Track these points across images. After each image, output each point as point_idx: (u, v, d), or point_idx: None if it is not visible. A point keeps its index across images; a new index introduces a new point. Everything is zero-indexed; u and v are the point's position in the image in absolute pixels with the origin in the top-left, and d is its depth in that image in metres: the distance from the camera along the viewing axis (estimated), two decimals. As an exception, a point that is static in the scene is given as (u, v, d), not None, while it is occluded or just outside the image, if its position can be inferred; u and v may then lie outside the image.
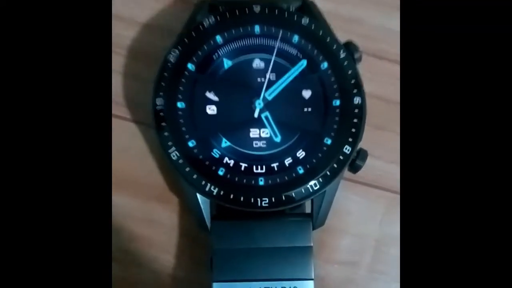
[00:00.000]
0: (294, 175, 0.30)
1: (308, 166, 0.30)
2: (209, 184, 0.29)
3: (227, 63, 0.31)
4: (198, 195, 0.29)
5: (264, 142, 0.30)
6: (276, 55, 0.31)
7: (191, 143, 0.30)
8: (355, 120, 0.30)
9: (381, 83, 0.34)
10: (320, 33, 0.31)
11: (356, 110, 0.30)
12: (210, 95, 0.30)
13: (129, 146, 0.33)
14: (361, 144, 0.31)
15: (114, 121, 0.33)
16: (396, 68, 0.34)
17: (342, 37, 0.32)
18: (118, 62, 0.33)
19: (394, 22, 0.35)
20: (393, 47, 0.35)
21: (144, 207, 0.32)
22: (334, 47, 0.31)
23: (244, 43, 0.31)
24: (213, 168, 0.29)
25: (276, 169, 0.30)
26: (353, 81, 0.31)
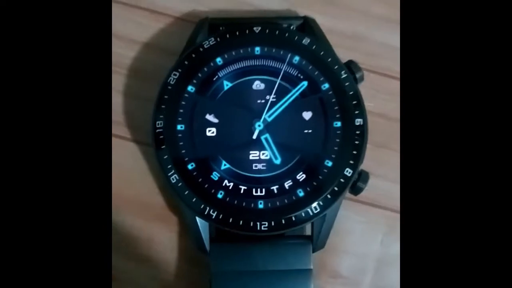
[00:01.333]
0: (294, 198, 0.29)
1: (308, 189, 0.29)
2: (208, 208, 0.29)
3: (227, 85, 0.31)
4: (197, 218, 0.29)
5: (264, 164, 0.30)
6: (276, 76, 0.30)
7: (190, 166, 0.29)
8: (357, 142, 0.30)
9: (383, 101, 0.34)
10: (321, 54, 0.31)
11: (358, 132, 0.30)
12: (210, 117, 0.30)
13: (128, 165, 0.33)
14: (363, 163, 0.30)
15: (113, 140, 0.33)
16: (399, 85, 0.34)
17: (344, 55, 0.31)
18: (117, 81, 0.33)
19: (396, 39, 0.34)
20: (396, 64, 0.34)
21: (144, 227, 0.32)
22: (336, 68, 0.31)
23: (244, 64, 0.31)
24: (212, 191, 0.29)
25: (276, 192, 0.29)
26: (354, 102, 0.30)
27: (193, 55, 0.30)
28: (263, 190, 0.29)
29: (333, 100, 0.30)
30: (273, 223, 0.29)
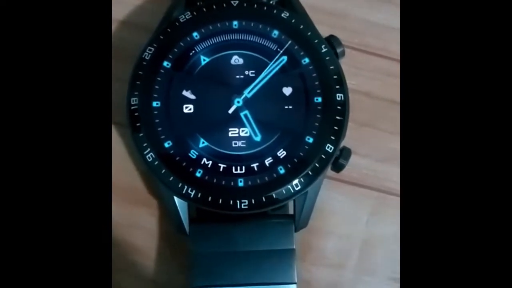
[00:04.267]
0: (274, 175, 0.28)
1: (289, 166, 0.29)
2: (186, 186, 0.28)
3: (204, 60, 0.30)
4: (176, 198, 0.28)
5: (244, 141, 0.29)
6: (255, 51, 0.30)
7: (167, 144, 0.29)
8: (338, 118, 0.29)
9: (366, 78, 0.34)
10: (301, 27, 0.30)
11: (339, 107, 0.29)
12: (187, 94, 0.29)
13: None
14: (345, 142, 0.30)
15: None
16: (382, 63, 0.34)
17: (326, 31, 0.31)
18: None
19: (379, 16, 0.34)
20: (378, 41, 0.34)
21: (124, 211, 0.31)
22: (316, 42, 0.30)
23: (222, 39, 0.30)
24: (190, 169, 0.28)
25: (256, 169, 0.29)
26: (335, 77, 0.30)
27: (169, 30, 0.30)
28: (243, 167, 0.29)
29: (314, 75, 0.30)
30: (253, 201, 0.28)
